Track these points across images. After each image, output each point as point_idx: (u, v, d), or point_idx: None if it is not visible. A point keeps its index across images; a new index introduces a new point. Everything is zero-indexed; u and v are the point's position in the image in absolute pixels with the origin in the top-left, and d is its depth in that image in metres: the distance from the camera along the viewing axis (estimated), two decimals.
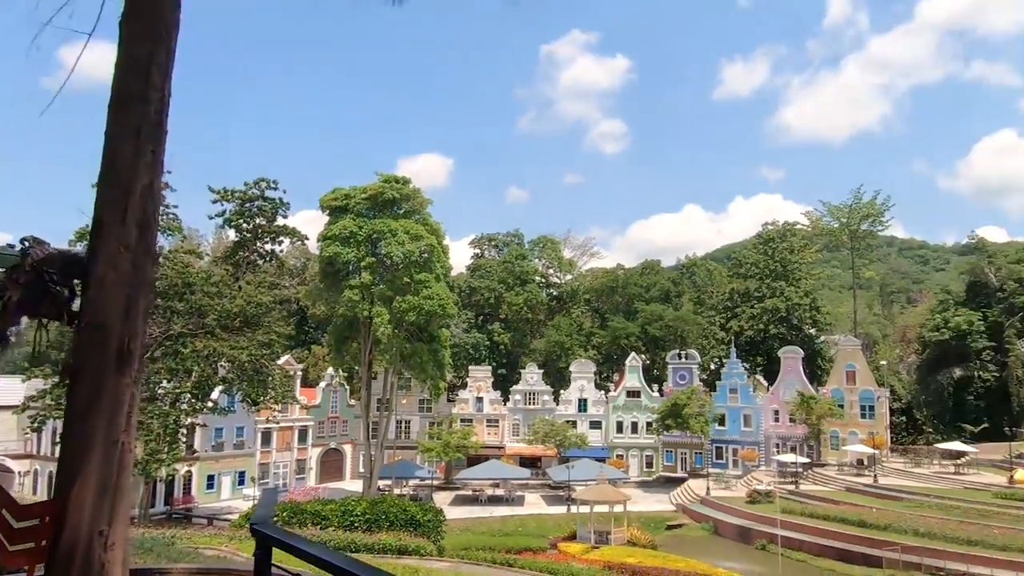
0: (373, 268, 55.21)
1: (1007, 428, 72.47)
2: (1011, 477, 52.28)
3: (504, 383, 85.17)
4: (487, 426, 77.40)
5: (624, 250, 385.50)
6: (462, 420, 75.91)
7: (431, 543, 28.25)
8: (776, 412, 73.19)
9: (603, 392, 79.75)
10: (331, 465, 73.86)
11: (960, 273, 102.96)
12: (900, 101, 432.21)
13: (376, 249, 56.40)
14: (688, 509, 58.31)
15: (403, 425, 76.34)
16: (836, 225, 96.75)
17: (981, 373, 77.95)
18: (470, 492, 66.07)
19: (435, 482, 67.81)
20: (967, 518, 45.02)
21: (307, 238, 78.61)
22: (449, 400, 79.12)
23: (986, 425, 72.19)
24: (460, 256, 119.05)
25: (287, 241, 73.86)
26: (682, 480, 69.29)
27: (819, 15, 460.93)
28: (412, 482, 67.71)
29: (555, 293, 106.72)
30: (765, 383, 78.99)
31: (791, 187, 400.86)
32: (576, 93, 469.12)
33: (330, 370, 73.42)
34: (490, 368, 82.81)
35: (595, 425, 77.20)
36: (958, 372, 79.03)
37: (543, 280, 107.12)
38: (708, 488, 60.89)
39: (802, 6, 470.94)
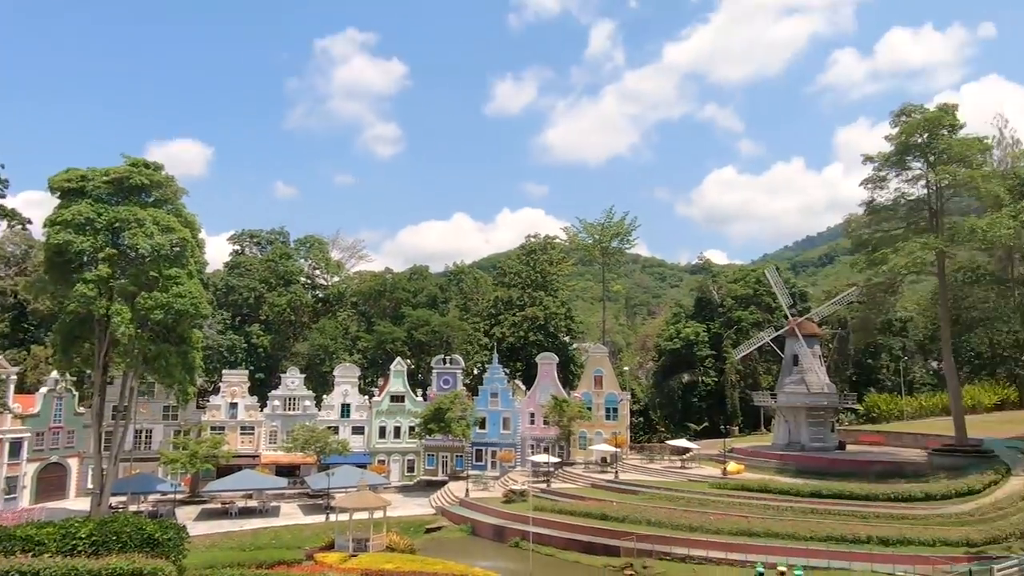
0: (113, 260, 49.31)
1: (723, 426, 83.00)
2: (724, 469, 59.82)
3: (262, 388, 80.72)
4: (241, 434, 72.74)
5: (393, 254, 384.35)
6: (213, 428, 70.55)
7: (171, 563, 25.75)
8: (532, 415, 77.10)
9: (367, 397, 78.66)
10: (52, 482, 64.67)
11: (690, 290, 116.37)
12: (648, 132, 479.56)
13: (118, 239, 50.44)
14: (448, 512, 59.28)
15: (144, 435, 69.25)
16: (590, 241, 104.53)
17: (704, 378, 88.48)
18: (219, 505, 61.55)
19: (179, 496, 62.23)
20: (690, 507, 50.71)
21: (30, 222, 69.06)
22: (199, 407, 73.23)
23: (707, 424, 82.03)
24: (218, 252, 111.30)
25: (3, 224, 64.01)
26: (443, 483, 70.35)
27: (582, 45, 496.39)
28: (152, 497, 61.63)
29: (321, 295, 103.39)
30: (523, 387, 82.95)
31: (553, 203, 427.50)
32: (351, 93, 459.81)
33: (54, 374, 64.35)
34: (247, 372, 78.04)
35: (358, 431, 75.86)
36: (686, 377, 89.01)
37: (309, 281, 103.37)
38: (467, 490, 62.42)
39: (567, 35, 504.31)
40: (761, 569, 40.52)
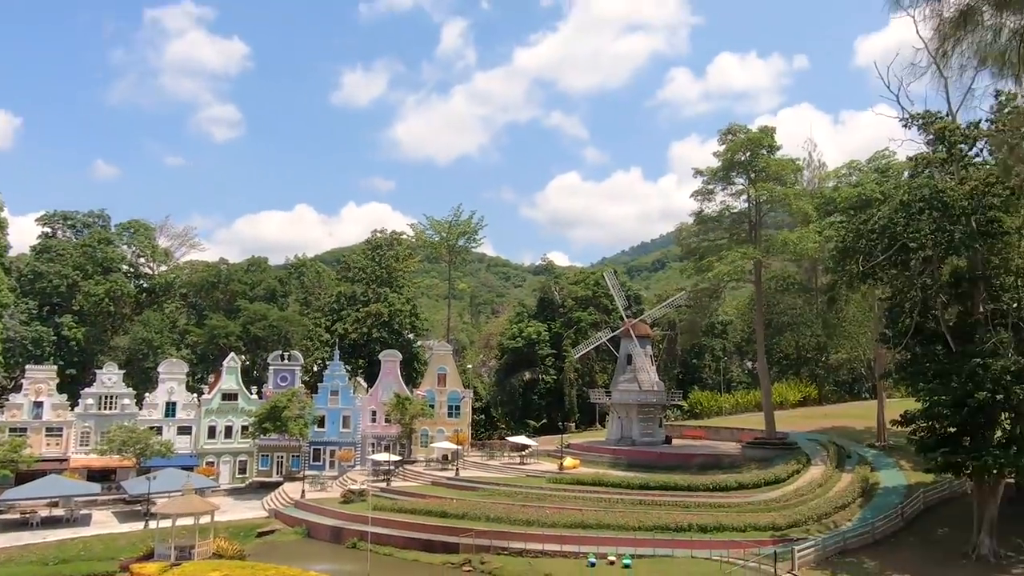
0: None
1: (561, 423, 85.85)
2: (561, 464, 61.85)
3: (74, 385, 73.60)
4: (47, 435, 65.80)
5: (229, 244, 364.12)
6: (12, 429, 63.35)
7: None
8: (374, 413, 75.82)
9: (196, 395, 73.82)
10: None
11: (533, 290, 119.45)
12: (497, 134, 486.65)
13: None
14: (282, 514, 56.92)
15: None
16: (437, 239, 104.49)
17: (544, 376, 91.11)
18: (18, 515, 55.32)
19: None
20: (527, 502, 51.93)
21: None
22: None
23: (545, 421, 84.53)
24: (24, 235, 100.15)
25: None
26: (277, 485, 67.44)
27: (434, 42, 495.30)
28: None
29: (145, 285, 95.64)
30: (365, 385, 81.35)
31: (400, 199, 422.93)
32: (185, 69, 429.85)
33: None
34: (55, 368, 70.62)
35: (184, 431, 70.97)
36: (527, 375, 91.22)
37: (132, 269, 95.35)
38: (303, 491, 60.26)
39: (420, 30, 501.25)
40: (593, 559, 42.29)
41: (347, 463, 72.32)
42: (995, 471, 38.86)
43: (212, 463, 70.76)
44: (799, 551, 39.89)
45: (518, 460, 67.99)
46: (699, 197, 65.58)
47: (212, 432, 71.99)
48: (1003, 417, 40.18)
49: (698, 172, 65.12)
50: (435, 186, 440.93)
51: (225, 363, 74.79)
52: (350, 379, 79.50)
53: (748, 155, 62.46)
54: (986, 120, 41.25)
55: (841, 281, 51.90)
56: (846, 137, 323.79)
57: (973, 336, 40.85)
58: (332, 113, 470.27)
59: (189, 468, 63.22)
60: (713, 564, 40.81)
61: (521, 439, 72.18)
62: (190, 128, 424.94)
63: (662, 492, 52.43)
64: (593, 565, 41.82)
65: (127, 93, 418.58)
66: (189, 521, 42.54)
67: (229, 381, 73.93)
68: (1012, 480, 42.25)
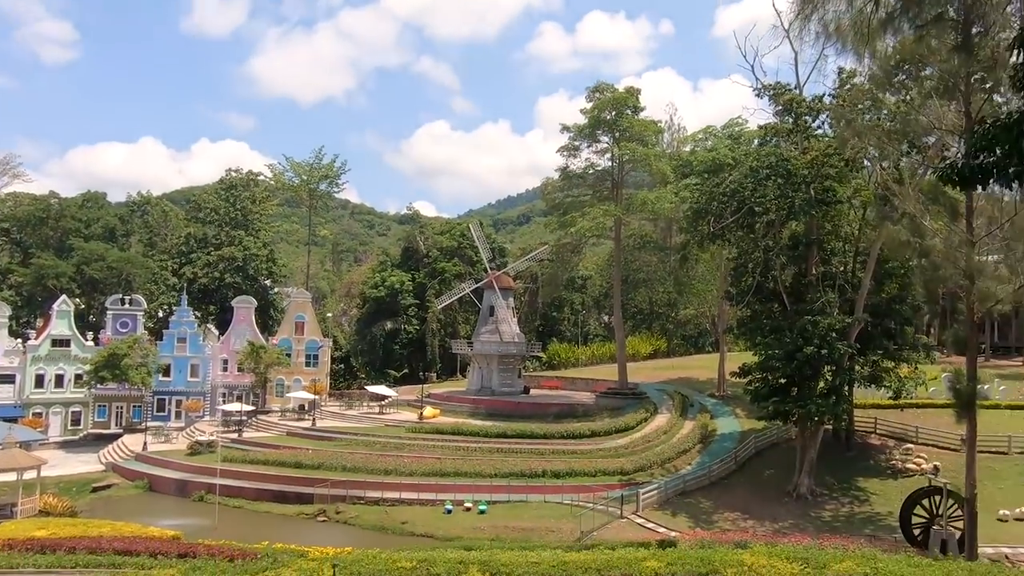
0: None
1: (422, 373, 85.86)
2: (421, 414, 62.00)
3: None
4: None
5: (61, 177, 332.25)
6: None
7: None
8: (225, 361, 72.49)
9: (20, 340, 67.25)
10: None
11: (398, 239, 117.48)
12: (364, 77, 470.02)
13: None
14: (120, 467, 53.59)
15: None
16: (297, 181, 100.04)
17: (407, 326, 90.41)
18: None
19: None
20: (386, 451, 51.78)
21: None
22: None
23: (407, 371, 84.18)
24: None
25: None
26: (116, 436, 63.26)
27: None
28: None
29: None
30: (216, 332, 77.45)
31: (258, 138, 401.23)
32: None
33: None
34: None
35: (6, 379, 64.63)
36: (389, 325, 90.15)
37: None
38: (145, 443, 56.90)
39: None
40: (450, 506, 42.94)
41: (195, 414, 68.92)
42: (816, 418, 42.78)
43: (40, 414, 65.14)
44: (644, 494, 42.38)
45: (377, 410, 67.50)
46: (565, 153, 66.50)
47: (40, 381, 66.08)
48: (826, 370, 44.13)
49: (565, 128, 65.86)
50: (297, 127, 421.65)
51: (55, 306, 68.48)
52: (200, 326, 75.32)
53: (613, 114, 63.77)
54: (829, 95, 44.23)
55: (693, 241, 54.52)
56: (704, 104, 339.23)
57: (805, 296, 44.30)
58: (183, 41, 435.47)
59: (13, 420, 57.89)
60: (564, 508, 42.56)
61: (381, 389, 71.58)
62: (16, 45, 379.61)
63: (519, 440, 53.82)
64: (450, 512, 42.46)
65: None
66: (11, 477, 39.10)
67: (60, 326, 67.87)
68: (830, 426, 46.77)
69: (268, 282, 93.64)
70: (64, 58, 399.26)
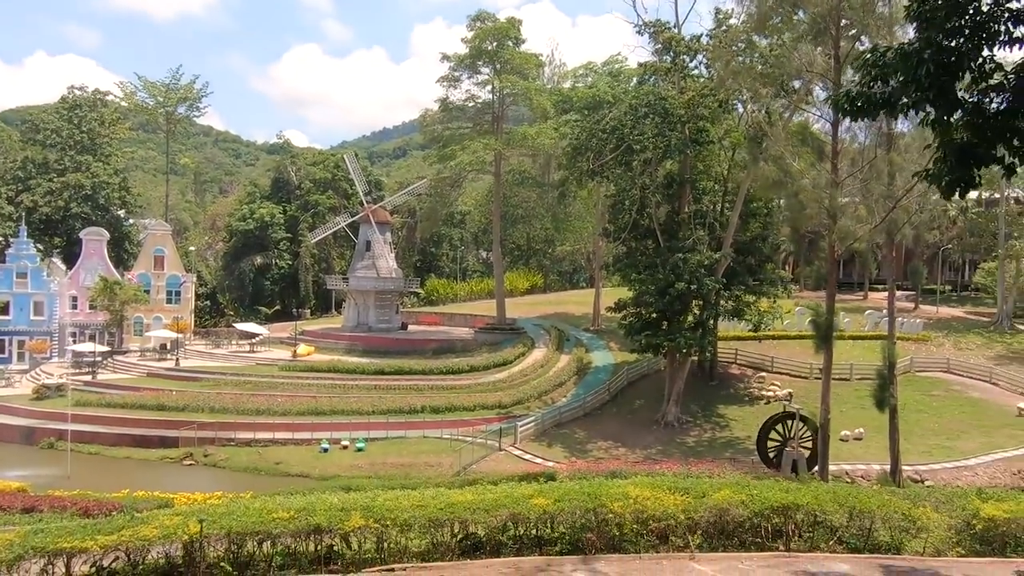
0: None
1: (295, 309, 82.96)
2: (295, 352, 60.02)
3: None
4: None
5: None
6: None
7: None
8: (75, 299, 66.85)
9: None
10: None
11: (267, 170, 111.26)
12: None
13: None
14: None
15: None
16: (152, 103, 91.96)
17: (278, 261, 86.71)
18: None
19: None
20: (258, 391, 49.89)
21: None
22: None
23: (279, 307, 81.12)
24: None
25: None
26: None
27: None
28: None
29: None
30: (63, 267, 71.01)
31: (106, 56, 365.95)
32: None
33: None
34: None
35: None
36: (259, 260, 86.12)
37: None
38: None
39: None
40: (326, 445, 42.09)
41: (41, 355, 63.46)
42: (684, 350, 44.83)
43: None
44: (521, 426, 43.19)
45: (247, 348, 64.73)
46: (445, 84, 64.45)
47: None
48: (694, 304, 46.11)
49: (445, 57, 63.69)
50: (150, 45, 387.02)
51: None
52: (42, 260, 68.74)
53: (495, 45, 62.18)
54: (706, 35, 44.84)
55: (572, 177, 54.70)
56: (582, 41, 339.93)
57: (678, 233, 45.73)
58: None
59: None
60: (444, 443, 42.73)
61: (251, 326, 68.54)
62: None
63: (397, 377, 53.33)
64: (326, 451, 41.64)
65: None
66: None
67: None
68: (696, 358, 49.22)
69: (122, 213, 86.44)
70: None
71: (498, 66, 62.54)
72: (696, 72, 47.36)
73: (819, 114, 35.13)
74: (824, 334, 28.28)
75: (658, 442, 42.94)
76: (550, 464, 38.17)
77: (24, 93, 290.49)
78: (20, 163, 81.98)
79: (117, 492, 29.20)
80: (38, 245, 69.59)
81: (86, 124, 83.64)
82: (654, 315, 45.56)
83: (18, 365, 62.17)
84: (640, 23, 46.73)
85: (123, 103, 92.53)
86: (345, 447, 42.18)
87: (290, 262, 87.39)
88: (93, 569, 10.53)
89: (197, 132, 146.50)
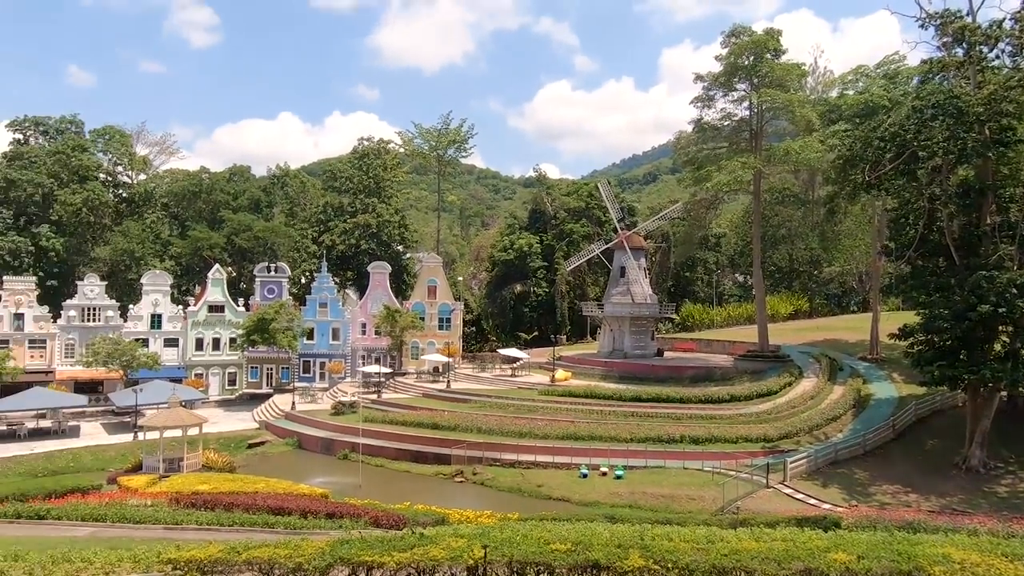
0: None
1: (552, 335, 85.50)
2: (553, 377, 61.59)
3: (55, 297, 72.02)
4: (31, 347, 64.77)
5: (209, 154, 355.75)
6: None
7: None
8: (364, 325, 75.05)
9: (181, 307, 72.56)
10: None
11: (524, 202, 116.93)
12: (484, 42, 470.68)
13: None
14: (272, 425, 56.77)
15: None
16: (426, 147, 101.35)
17: (536, 289, 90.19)
18: (4, 427, 54.85)
19: None
20: (519, 414, 51.74)
21: None
22: None
23: (537, 333, 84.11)
24: None
25: None
26: (267, 396, 67.24)
27: None
28: None
29: (125, 194, 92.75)
30: (355, 297, 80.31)
31: (386, 108, 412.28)
32: None
33: None
34: (35, 279, 68.92)
35: (171, 343, 70.05)
36: (519, 288, 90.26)
37: (109, 178, 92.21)
38: (293, 403, 60.02)
39: None
40: (586, 471, 42.31)
41: (337, 375, 72.00)
42: (991, 384, 38.54)
43: (201, 375, 70.28)
44: (791, 462, 39.95)
45: (509, 372, 67.78)
46: (699, 104, 62.91)
47: (200, 344, 71.17)
48: (1002, 331, 39.58)
49: (698, 77, 62.22)
50: (421, 96, 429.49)
51: (210, 275, 73.28)
52: (339, 291, 78.35)
53: (752, 59, 59.53)
54: (1010, 18, 38.77)
55: (843, 192, 50.23)
56: (846, 47, 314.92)
57: (978, 249, 39.75)
58: (313, 17, 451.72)
59: (177, 380, 62.82)
60: (705, 475, 40.90)
61: (512, 351, 71.79)
62: (165, 32, 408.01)
63: (654, 404, 52.31)
64: (585, 476, 41.86)
65: None
66: (177, 433, 42.07)
67: (215, 293, 72.60)
68: (1005, 393, 42.14)
69: (401, 248, 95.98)
70: (208, 42, 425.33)
71: (755, 80, 59.71)
72: (997, 63, 41.12)
73: None
74: None
75: (959, 490, 37.21)
76: (826, 507, 34.74)
77: (324, 148, 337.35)
78: (322, 208, 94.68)
79: (400, 504, 31.76)
80: (335, 278, 79.41)
81: (372, 171, 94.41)
82: (948, 343, 39.86)
83: (320, 383, 71.20)
84: (923, 16, 41.75)
85: (402, 149, 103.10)
86: (604, 474, 42.09)
87: (547, 289, 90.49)
88: None
89: (462, 171, 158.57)
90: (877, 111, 48.12)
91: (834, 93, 66.99)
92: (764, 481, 38.89)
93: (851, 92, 61.51)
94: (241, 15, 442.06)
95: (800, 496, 37.24)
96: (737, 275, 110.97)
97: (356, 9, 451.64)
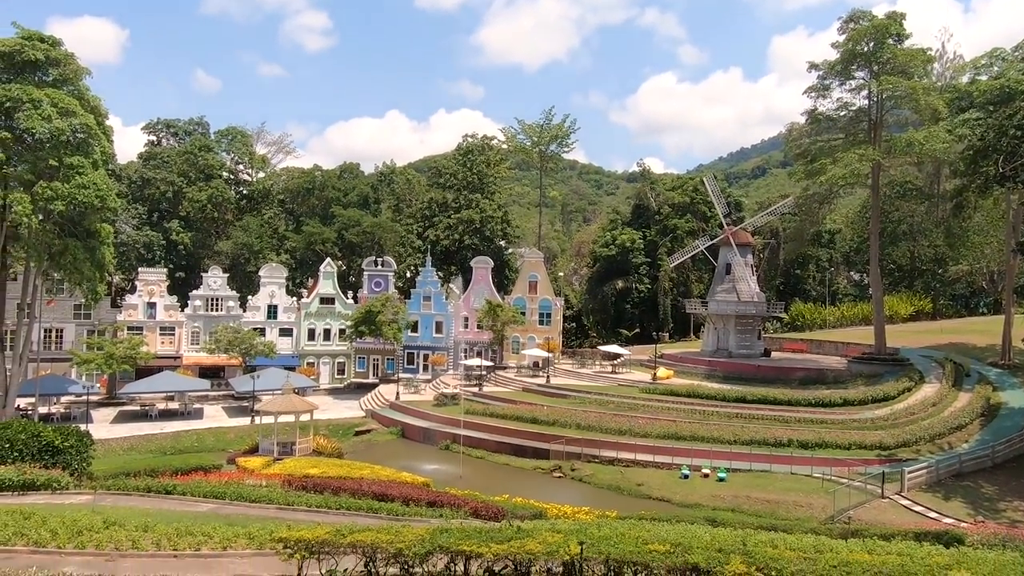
0: (6, 144, 44.70)
1: (654, 332, 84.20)
2: (654, 375, 60.68)
3: (183, 287, 77.11)
4: (161, 334, 69.71)
5: (322, 152, 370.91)
6: (130, 328, 67.29)
7: (67, 474, 23.93)
8: (466, 319, 76.34)
9: (295, 298, 76.20)
10: None
11: (627, 197, 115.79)
12: (588, 37, 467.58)
13: (10, 121, 45.61)
14: (377, 414, 58.71)
15: (54, 334, 65.52)
16: (528, 143, 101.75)
17: (638, 285, 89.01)
18: (138, 407, 59.38)
19: (95, 398, 59.60)
20: (619, 411, 51.26)
21: None
22: (114, 306, 69.46)
23: (638, 330, 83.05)
24: (133, 145, 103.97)
25: None
26: (373, 386, 69.58)
27: None
28: (65, 399, 58.76)
29: (245, 191, 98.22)
30: (457, 291, 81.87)
31: (489, 106, 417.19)
32: None
33: None
34: (165, 270, 74.12)
35: (285, 333, 73.71)
36: (620, 284, 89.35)
37: (231, 176, 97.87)
38: (398, 393, 61.82)
39: None
40: (687, 471, 41.44)
41: (440, 367, 73.59)
42: None
43: (312, 364, 73.53)
44: (909, 472, 37.68)
45: (610, 369, 67.27)
46: (813, 94, 60.10)
47: (312, 334, 74.48)
48: None
49: (813, 66, 59.45)
50: (523, 93, 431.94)
51: (322, 268, 76.51)
52: (442, 285, 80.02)
53: (872, 45, 56.30)
54: None
55: (973, 185, 46.85)
56: (979, 28, 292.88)
57: None
58: (419, 18, 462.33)
59: (291, 368, 65.97)
60: (814, 481, 39.21)
61: (613, 348, 71.17)
62: (282, 37, 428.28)
63: (760, 406, 50.67)
64: (686, 477, 41.01)
65: (219, 2, 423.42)
66: (290, 418, 44.20)
67: (326, 286, 75.76)
68: None
69: (503, 243, 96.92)
70: (322, 45, 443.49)
71: (875, 68, 56.48)
72: None
73: None
74: None
75: None
76: (948, 521, 32.54)
77: (430, 145, 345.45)
78: (427, 204, 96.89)
79: (499, 496, 32.16)
80: (439, 273, 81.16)
81: (476, 167, 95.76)
82: None
83: (423, 375, 73.02)
84: None
85: (504, 145, 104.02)
86: (706, 475, 41.11)
87: (649, 286, 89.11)
88: (486, 573, 11.45)
89: (564, 167, 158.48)
90: (1014, 97, 44.38)
91: (964, 79, 62.38)
92: (879, 491, 36.86)
93: (984, 77, 56.98)
94: (352, 19, 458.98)
95: (919, 508, 35.05)
96: (852, 273, 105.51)
97: (460, 7, 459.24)
